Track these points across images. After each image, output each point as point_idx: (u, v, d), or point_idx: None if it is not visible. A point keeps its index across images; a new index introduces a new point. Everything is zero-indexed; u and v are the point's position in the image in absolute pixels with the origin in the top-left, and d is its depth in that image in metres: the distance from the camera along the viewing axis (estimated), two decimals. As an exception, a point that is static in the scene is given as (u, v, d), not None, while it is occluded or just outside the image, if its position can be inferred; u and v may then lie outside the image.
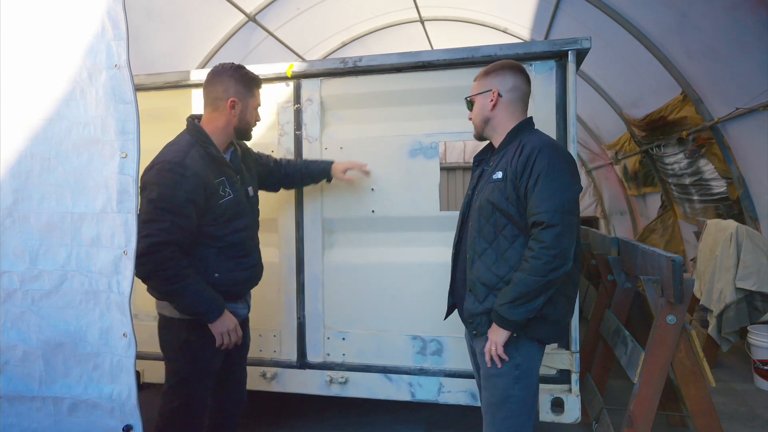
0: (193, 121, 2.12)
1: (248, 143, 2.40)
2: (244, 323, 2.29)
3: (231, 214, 2.10)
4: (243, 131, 2.18)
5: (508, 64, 1.99)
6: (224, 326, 2.06)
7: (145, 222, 1.89)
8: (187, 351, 2.06)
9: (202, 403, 2.11)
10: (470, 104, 2.03)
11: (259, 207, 2.38)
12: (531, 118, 2.00)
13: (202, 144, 2.05)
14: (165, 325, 2.10)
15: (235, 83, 2.10)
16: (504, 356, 1.82)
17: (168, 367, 2.11)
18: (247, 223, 2.18)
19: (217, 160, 2.07)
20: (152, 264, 1.91)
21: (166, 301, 2.06)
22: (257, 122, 2.25)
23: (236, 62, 2.19)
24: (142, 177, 1.97)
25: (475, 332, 1.93)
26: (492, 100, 1.94)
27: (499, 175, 1.86)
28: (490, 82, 1.96)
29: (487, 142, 2.07)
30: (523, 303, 1.75)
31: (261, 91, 2.24)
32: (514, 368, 1.84)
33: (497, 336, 1.82)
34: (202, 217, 2.02)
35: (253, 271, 2.23)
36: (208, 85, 2.12)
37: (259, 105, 2.24)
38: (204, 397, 2.12)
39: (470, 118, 2.06)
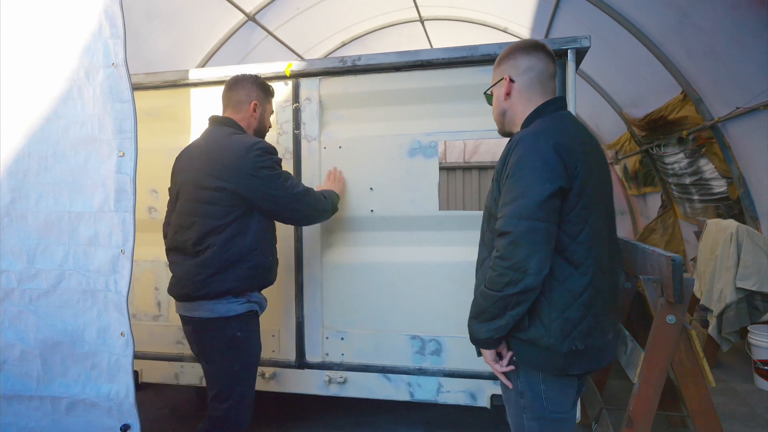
0: (229, 118, 2.24)
1: None
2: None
3: None
4: (260, 134, 2.35)
5: (519, 44, 1.73)
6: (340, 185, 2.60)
7: (281, 178, 2.11)
8: (235, 348, 2.08)
9: (252, 397, 2.15)
10: (490, 99, 1.80)
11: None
12: (553, 99, 1.68)
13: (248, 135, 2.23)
14: (205, 327, 2.08)
15: (257, 88, 2.29)
16: (505, 369, 1.63)
17: (213, 369, 2.11)
18: None
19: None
20: (312, 196, 2.20)
21: (327, 216, 2.38)
22: (269, 129, 2.41)
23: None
24: (239, 163, 2.05)
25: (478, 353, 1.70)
26: (505, 89, 1.70)
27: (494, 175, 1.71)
28: (503, 69, 1.73)
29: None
30: (485, 320, 1.55)
31: (274, 100, 2.42)
32: (519, 396, 1.63)
33: (484, 355, 1.65)
34: None
35: (277, 259, 2.34)
36: (231, 90, 2.27)
37: (272, 113, 2.42)
38: (253, 391, 2.16)
39: None
